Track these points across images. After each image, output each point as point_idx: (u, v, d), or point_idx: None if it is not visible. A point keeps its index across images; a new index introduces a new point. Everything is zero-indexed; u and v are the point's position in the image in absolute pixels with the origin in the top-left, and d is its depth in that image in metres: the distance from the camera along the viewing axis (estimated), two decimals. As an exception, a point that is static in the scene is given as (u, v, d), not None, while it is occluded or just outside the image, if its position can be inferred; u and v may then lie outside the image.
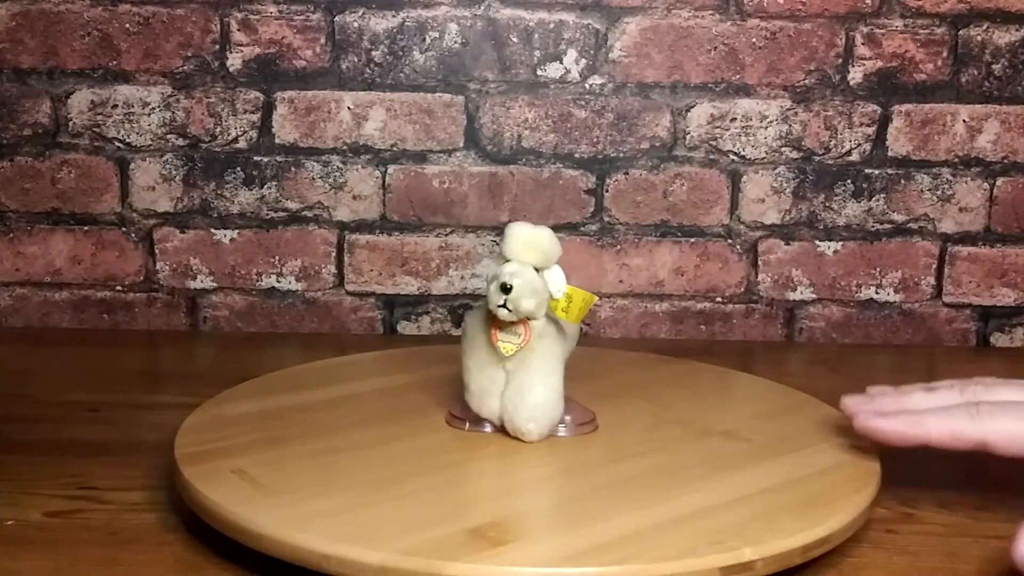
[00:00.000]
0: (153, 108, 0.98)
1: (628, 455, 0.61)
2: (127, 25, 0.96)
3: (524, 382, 0.61)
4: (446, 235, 0.99)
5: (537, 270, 0.61)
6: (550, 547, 0.48)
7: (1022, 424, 0.53)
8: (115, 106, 0.98)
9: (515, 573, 0.46)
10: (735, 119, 0.98)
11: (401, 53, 0.97)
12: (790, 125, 0.98)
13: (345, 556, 0.47)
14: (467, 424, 0.64)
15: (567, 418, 0.64)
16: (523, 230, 0.61)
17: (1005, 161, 0.99)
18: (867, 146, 0.98)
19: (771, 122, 0.98)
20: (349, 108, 0.98)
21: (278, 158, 0.99)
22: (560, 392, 0.62)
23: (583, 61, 0.97)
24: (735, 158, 0.99)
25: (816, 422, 0.67)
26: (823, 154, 0.98)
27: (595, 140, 0.98)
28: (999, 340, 1.02)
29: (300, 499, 0.53)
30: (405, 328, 1.02)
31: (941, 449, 0.55)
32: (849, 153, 0.98)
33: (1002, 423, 0.53)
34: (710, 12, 0.96)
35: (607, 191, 0.99)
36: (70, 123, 0.98)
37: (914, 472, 0.64)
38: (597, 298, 0.63)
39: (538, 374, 0.62)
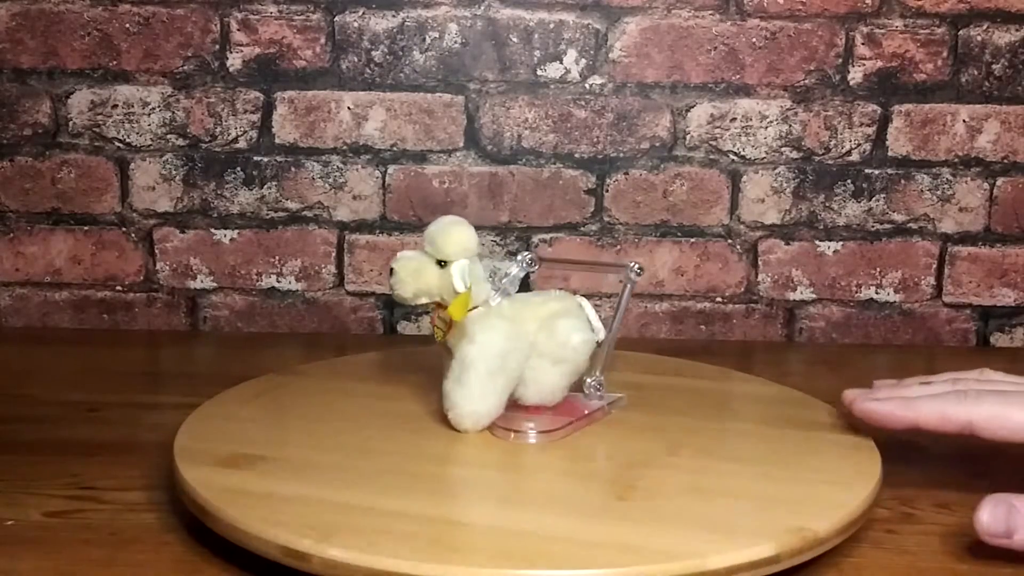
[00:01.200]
0: (153, 108, 0.98)
1: (541, 469, 0.60)
2: (127, 25, 0.96)
3: (452, 373, 0.63)
4: (446, 235, 0.99)
5: (443, 263, 0.62)
6: (254, 477, 0.56)
7: (1005, 408, 0.56)
8: (115, 106, 0.98)
9: (191, 478, 0.55)
10: (735, 119, 0.98)
11: (401, 53, 0.97)
12: (790, 125, 0.98)
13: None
14: None
15: (530, 424, 0.64)
16: (435, 223, 0.63)
17: (1005, 161, 0.98)
18: (867, 146, 0.98)
19: (771, 122, 0.98)
20: (349, 108, 0.98)
21: (278, 158, 0.99)
22: (484, 390, 0.62)
23: (583, 61, 0.97)
24: (735, 158, 0.99)
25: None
26: (823, 154, 0.98)
27: (595, 140, 0.98)
28: (999, 340, 1.02)
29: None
30: (405, 328, 1.02)
31: (931, 431, 0.58)
32: (849, 153, 0.98)
33: (986, 406, 0.56)
34: (710, 12, 0.96)
35: (607, 191, 0.99)
36: (70, 123, 0.98)
37: (914, 472, 0.64)
38: (465, 290, 0.64)
39: (459, 368, 0.63)
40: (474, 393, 0.63)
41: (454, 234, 0.62)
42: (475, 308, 0.63)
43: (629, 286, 0.69)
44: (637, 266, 0.69)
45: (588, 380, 0.68)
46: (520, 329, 0.64)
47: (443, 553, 0.48)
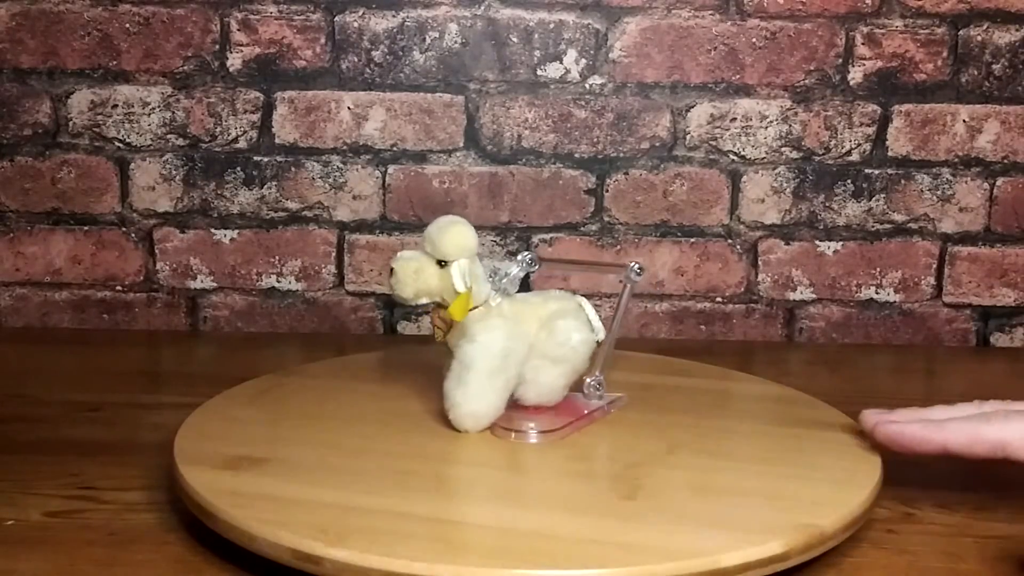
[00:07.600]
0: (153, 108, 0.98)
1: (543, 468, 0.60)
2: (127, 25, 0.96)
3: (452, 373, 0.64)
4: (446, 235, 0.99)
5: (443, 263, 0.62)
6: (254, 478, 0.56)
7: None
8: (115, 106, 0.98)
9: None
10: (735, 119, 0.98)
11: (401, 53, 0.97)
12: (790, 125, 0.98)
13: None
14: None
15: (531, 424, 0.64)
16: (435, 223, 0.63)
17: (1005, 161, 0.99)
18: (867, 146, 0.98)
19: (771, 122, 0.98)
20: (349, 108, 0.98)
21: (278, 158, 0.99)
22: (484, 390, 0.63)
23: (583, 61, 0.97)
24: (735, 158, 0.99)
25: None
26: (823, 154, 0.98)
27: (595, 140, 0.98)
28: (999, 340, 1.02)
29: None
30: (405, 328, 1.02)
31: (960, 455, 0.55)
32: (849, 153, 0.98)
33: (1020, 426, 0.53)
34: (710, 12, 0.96)
35: (607, 191, 0.99)
36: (70, 123, 0.98)
37: (914, 472, 0.64)
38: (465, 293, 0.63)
39: (459, 368, 0.63)
40: (474, 393, 0.63)
41: (453, 234, 0.62)
42: (475, 308, 0.63)
43: (629, 286, 0.69)
44: (637, 266, 0.69)
45: (588, 380, 0.68)
46: (521, 329, 0.64)
47: (447, 553, 0.48)
